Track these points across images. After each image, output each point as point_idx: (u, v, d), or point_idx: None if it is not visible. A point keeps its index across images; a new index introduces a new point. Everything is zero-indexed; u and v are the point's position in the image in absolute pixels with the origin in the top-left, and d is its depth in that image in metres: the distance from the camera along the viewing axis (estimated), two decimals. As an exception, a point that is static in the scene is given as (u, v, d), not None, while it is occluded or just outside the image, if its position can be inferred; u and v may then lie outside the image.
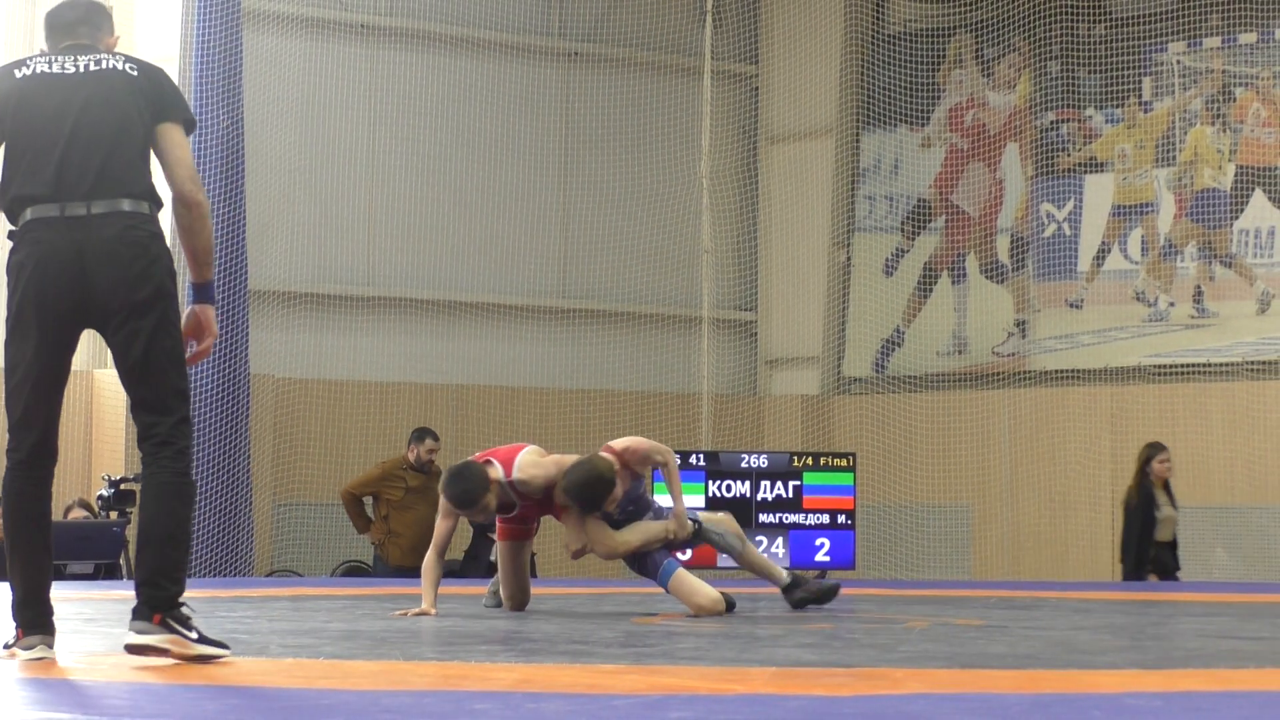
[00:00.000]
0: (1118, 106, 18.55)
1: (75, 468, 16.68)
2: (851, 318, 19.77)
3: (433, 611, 8.90)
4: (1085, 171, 18.71)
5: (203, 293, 6.16)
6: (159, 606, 5.76)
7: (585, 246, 19.26)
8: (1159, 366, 18.06)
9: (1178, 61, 18.26)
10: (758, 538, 15.43)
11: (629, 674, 5.71)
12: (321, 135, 18.09)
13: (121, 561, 14.28)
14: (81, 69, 6.04)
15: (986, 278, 19.13)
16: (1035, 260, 18.86)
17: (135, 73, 6.05)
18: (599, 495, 9.03)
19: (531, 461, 9.22)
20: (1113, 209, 18.48)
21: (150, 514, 5.91)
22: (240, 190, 16.92)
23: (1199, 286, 17.96)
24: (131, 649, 5.78)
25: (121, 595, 10.53)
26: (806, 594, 9.62)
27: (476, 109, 18.78)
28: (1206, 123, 18.08)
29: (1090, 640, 7.58)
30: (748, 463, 15.69)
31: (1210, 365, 17.79)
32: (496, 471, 9.17)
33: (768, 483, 15.60)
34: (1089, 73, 18.75)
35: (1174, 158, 18.20)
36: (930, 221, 19.52)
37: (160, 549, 5.85)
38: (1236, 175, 17.87)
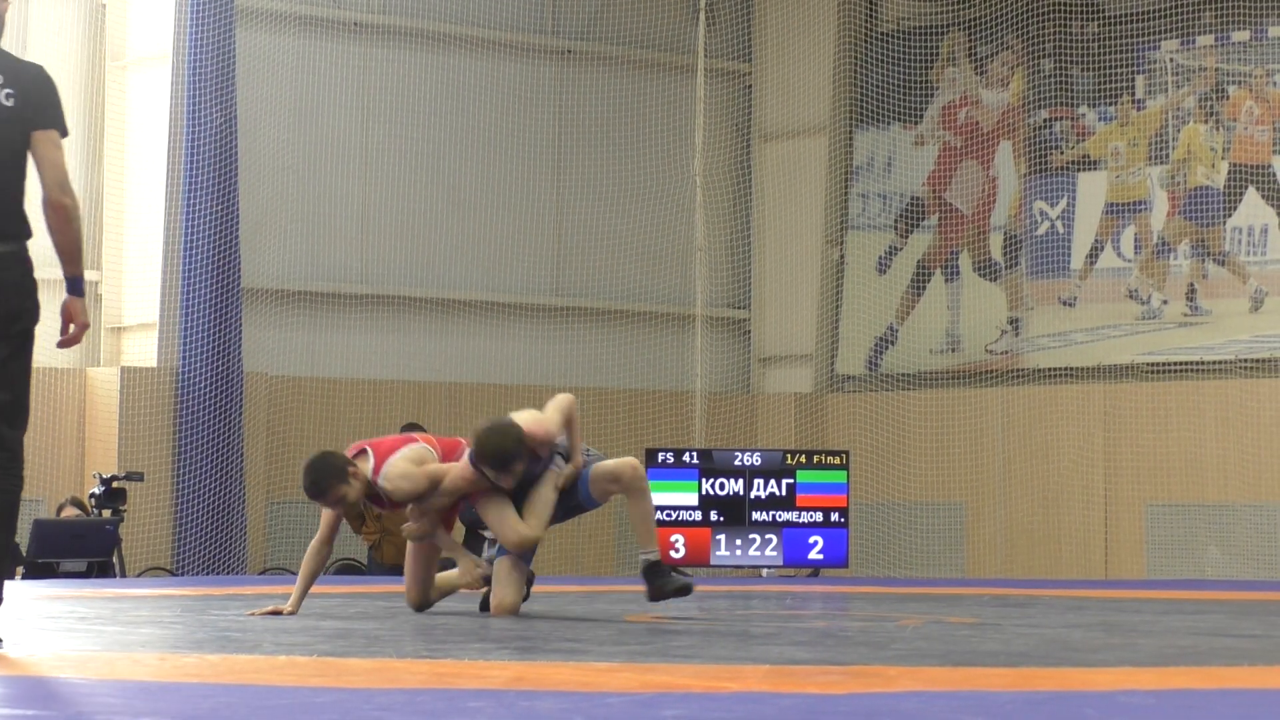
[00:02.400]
0: (1111, 104, 18.56)
1: (68, 466, 16.67)
2: (845, 315, 19.77)
3: (286, 610, 8.40)
4: (1078, 169, 18.72)
5: (73, 286, 6.27)
6: None
7: (579, 244, 19.26)
8: (1152, 364, 18.07)
9: (1171, 59, 18.27)
10: (751, 535, 15.45)
11: (623, 672, 5.70)
12: (315, 133, 18.08)
13: (114, 559, 14.27)
14: None
15: (980, 275, 19.14)
16: (1028, 258, 18.86)
17: (11, 103, 6.09)
18: (511, 457, 8.45)
19: (402, 472, 8.57)
20: (1106, 207, 18.49)
21: None
22: (234, 188, 16.91)
23: (1192, 284, 17.97)
24: None
25: (115, 594, 10.53)
26: (666, 586, 8.52)
27: (470, 107, 18.78)
28: (1200, 120, 18.09)
29: (1083, 638, 7.58)
30: (741, 461, 15.70)
31: (1203, 363, 17.79)
32: (367, 465, 8.57)
33: (761, 481, 15.61)
34: (1082, 70, 18.76)
35: (1167, 155, 18.20)
36: (923, 219, 19.53)
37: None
38: (1229, 173, 17.88)
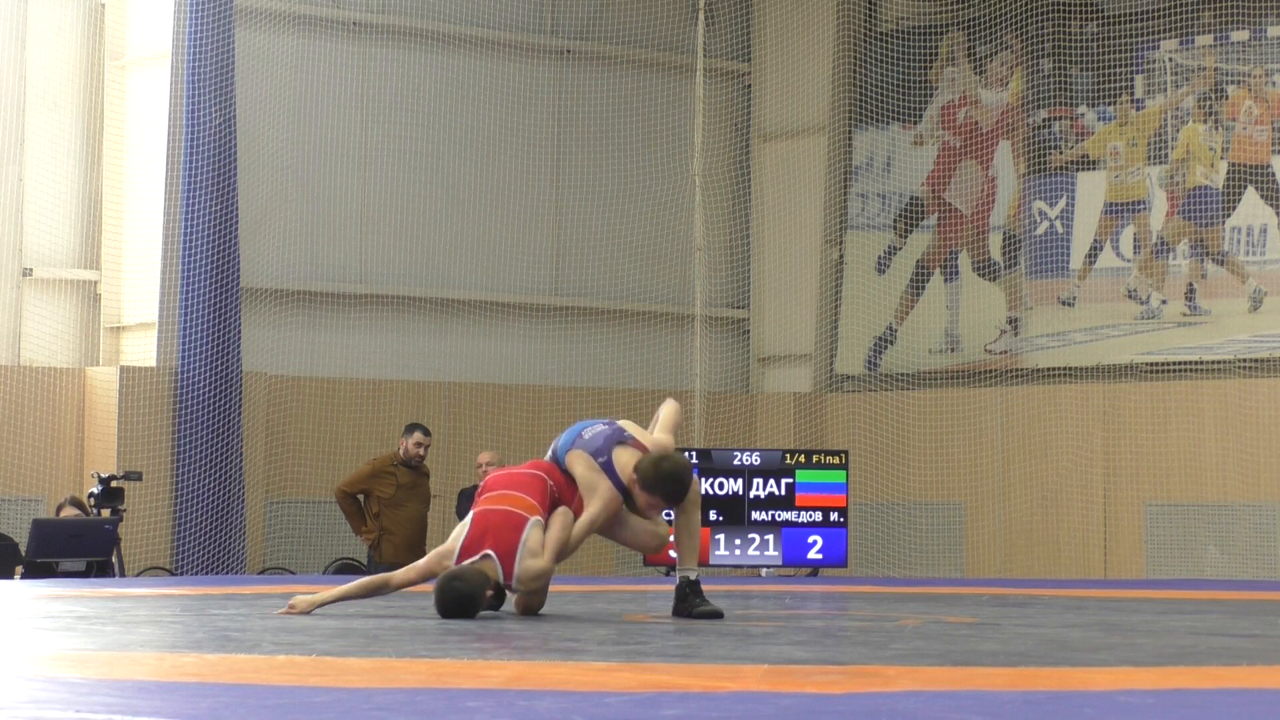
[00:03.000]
0: (1110, 104, 18.56)
1: (67, 465, 16.67)
2: (844, 315, 19.78)
3: (300, 607, 8.42)
4: (1077, 169, 18.72)
5: None
6: None
7: (577, 244, 19.27)
8: (1151, 364, 18.07)
9: (1170, 59, 18.27)
10: (750, 535, 15.44)
11: (621, 671, 5.70)
12: (314, 133, 18.08)
13: (114, 559, 14.27)
14: None
15: (979, 275, 19.14)
16: (1027, 258, 18.87)
17: None
18: (685, 490, 8.46)
19: (535, 574, 8.35)
20: (1105, 207, 18.50)
21: None
22: (233, 187, 16.91)
23: (1191, 284, 17.98)
24: None
25: (114, 593, 10.53)
26: (695, 609, 8.51)
27: (469, 106, 18.78)
28: (1199, 120, 18.09)
29: (1082, 637, 7.58)
30: (740, 460, 15.70)
31: (1202, 363, 17.80)
32: (494, 569, 8.35)
33: (760, 480, 15.61)
34: (1081, 70, 18.76)
35: (1166, 155, 18.21)
36: (922, 219, 19.53)
37: None
38: (1229, 173, 17.89)
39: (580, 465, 8.63)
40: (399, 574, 8.67)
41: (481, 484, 8.90)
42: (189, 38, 16.79)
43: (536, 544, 8.39)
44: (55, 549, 13.83)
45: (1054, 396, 18.33)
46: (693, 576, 8.58)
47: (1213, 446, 17.43)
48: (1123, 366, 18.24)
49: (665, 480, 8.40)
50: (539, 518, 8.47)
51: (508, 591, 8.46)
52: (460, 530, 8.51)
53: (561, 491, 8.70)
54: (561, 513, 8.55)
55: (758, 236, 20.23)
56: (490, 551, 8.35)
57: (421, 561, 8.61)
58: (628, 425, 8.81)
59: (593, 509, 8.56)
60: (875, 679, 5.58)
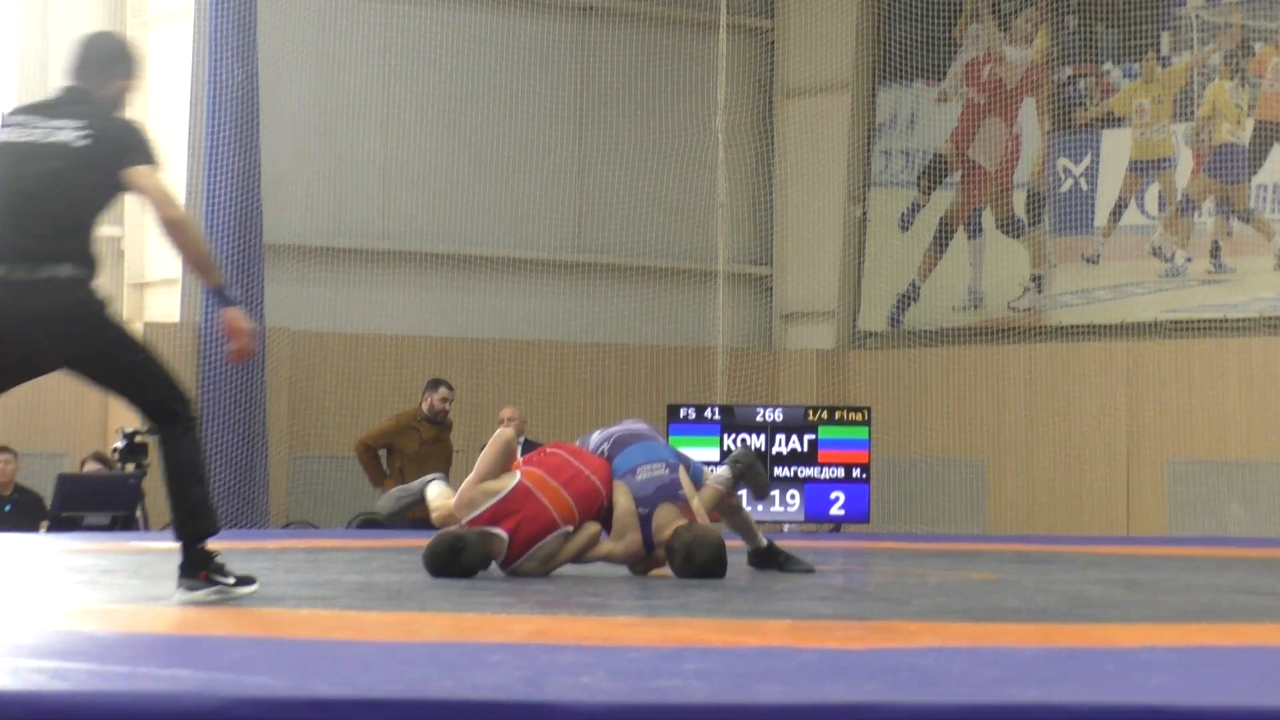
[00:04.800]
0: (1135, 61, 18.48)
1: (91, 421, 16.72)
2: (867, 272, 19.75)
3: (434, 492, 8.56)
4: (1102, 126, 18.65)
5: (219, 298, 6.77)
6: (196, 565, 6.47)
7: (600, 201, 19.24)
8: (1176, 322, 18.03)
9: (1196, 16, 18.18)
10: (773, 490, 15.45)
11: (644, 626, 5.72)
12: (336, 89, 18.06)
13: (138, 514, 14.32)
14: (33, 140, 6.62)
15: (1003, 233, 19.10)
16: (1052, 215, 18.82)
17: (86, 143, 6.58)
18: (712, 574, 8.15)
19: (532, 571, 8.23)
20: (1130, 164, 18.43)
21: None
22: (255, 144, 16.90)
23: (1216, 242, 17.92)
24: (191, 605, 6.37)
25: (138, 547, 10.57)
26: (791, 565, 8.73)
27: (492, 63, 18.75)
28: (1225, 77, 18.01)
29: (1104, 594, 7.58)
30: (763, 416, 15.70)
31: (1227, 321, 17.75)
32: (500, 546, 8.21)
33: (783, 436, 15.62)
34: (1107, 27, 18.67)
35: (1192, 113, 18.13)
36: (946, 176, 19.48)
37: None
38: (1255, 130, 17.81)
39: (622, 502, 8.38)
40: (451, 510, 8.49)
41: (550, 449, 8.66)
42: (212, -7, 16.77)
43: (546, 554, 8.23)
44: (80, 503, 13.89)
45: (1078, 354, 18.29)
46: (764, 544, 8.82)
47: (1237, 404, 17.40)
48: (1147, 324, 18.19)
49: (692, 574, 8.09)
50: (569, 529, 8.27)
51: (501, 571, 8.33)
52: (501, 490, 8.29)
53: (613, 509, 8.46)
54: (590, 535, 8.34)
55: (781, 193, 20.20)
56: (504, 534, 8.20)
57: (465, 490, 8.40)
58: (684, 479, 8.48)
59: (615, 553, 8.40)
60: (897, 634, 5.59)
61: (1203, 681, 4.22)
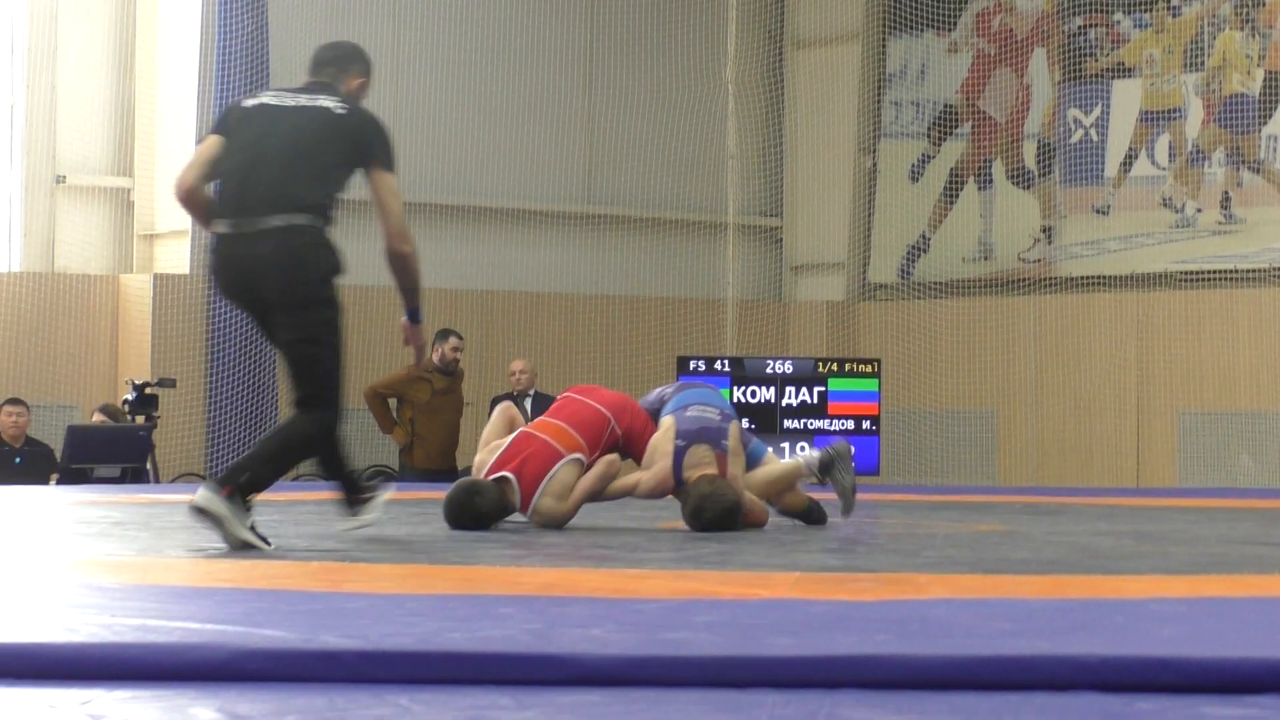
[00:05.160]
0: (1146, 11, 18.42)
1: (101, 372, 16.74)
2: (877, 224, 19.72)
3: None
4: (1113, 77, 18.60)
5: (411, 316, 7.80)
6: (230, 480, 6.63)
7: (610, 152, 19.21)
8: (1186, 273, 18.01)
9: (1207, -35, 18.11)
10: (782, 443, 15.46)
11: (653, 579, 5.72)
12: (346, 39, 17.97)
13: (148, 465, 14.34)
14: (292, 104, 7.16)
15: (1013, 184, 19.06)
16: (1062, 166, 18.78)
17: (342, 112, 7.23)
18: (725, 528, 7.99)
19: (549, 510, 8.15)
20: (1140, 114, 18.38)
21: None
22: (265, 95, 16.85)
23: (1226, 192, 17.88)
24: (192, 509, 6.63)
25: (148, 499, 10.58)
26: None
27: (501, 13, 18.69)
28: (1235, 27, 17.95)
29: (1114, 546, 7.59)
30: (773, 368, 15.71)
31: (1237, 271, 17.72)
32: (513, 494, 8.16)
33: (793, 388, 15.62)
34: (1118, -23, 18.59)
35: (1202, 63, 18.07)
36: (957, 127, 19.44)
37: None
38: (1265, 80, 17.75)
39: (662, 432, 8.28)
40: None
41: (562, 396, 8.72)
42: (220, -56, 16.74)
43: (560, 485, 8.15)
44: (90, 455, 13.90)
45: (1088, 305, 18.27)
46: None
47: (1247, 355, 17.38)
48: (1157, 275, 18.17)
49: (699, 528, 7.96)
50: (579, 456, 8.20)
51: (524, 516, 8.35)
52: (505, 442, 8.35)
53: (630, 440, 8.41)
54: (608, 461, 8.26)
55: (791, 144, 20.16)
56: (511, 475, 8.20)
57: (476, 460, 8.45)
58: (733, 432, 8.31)
59: (643, 482, 8.29)
60: (906, 586, 5.59)
61: (1212, 633, 4.22)
